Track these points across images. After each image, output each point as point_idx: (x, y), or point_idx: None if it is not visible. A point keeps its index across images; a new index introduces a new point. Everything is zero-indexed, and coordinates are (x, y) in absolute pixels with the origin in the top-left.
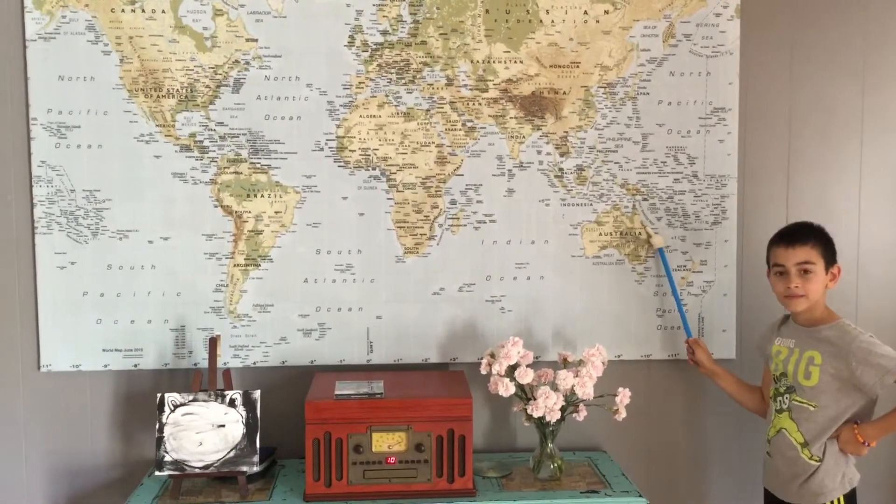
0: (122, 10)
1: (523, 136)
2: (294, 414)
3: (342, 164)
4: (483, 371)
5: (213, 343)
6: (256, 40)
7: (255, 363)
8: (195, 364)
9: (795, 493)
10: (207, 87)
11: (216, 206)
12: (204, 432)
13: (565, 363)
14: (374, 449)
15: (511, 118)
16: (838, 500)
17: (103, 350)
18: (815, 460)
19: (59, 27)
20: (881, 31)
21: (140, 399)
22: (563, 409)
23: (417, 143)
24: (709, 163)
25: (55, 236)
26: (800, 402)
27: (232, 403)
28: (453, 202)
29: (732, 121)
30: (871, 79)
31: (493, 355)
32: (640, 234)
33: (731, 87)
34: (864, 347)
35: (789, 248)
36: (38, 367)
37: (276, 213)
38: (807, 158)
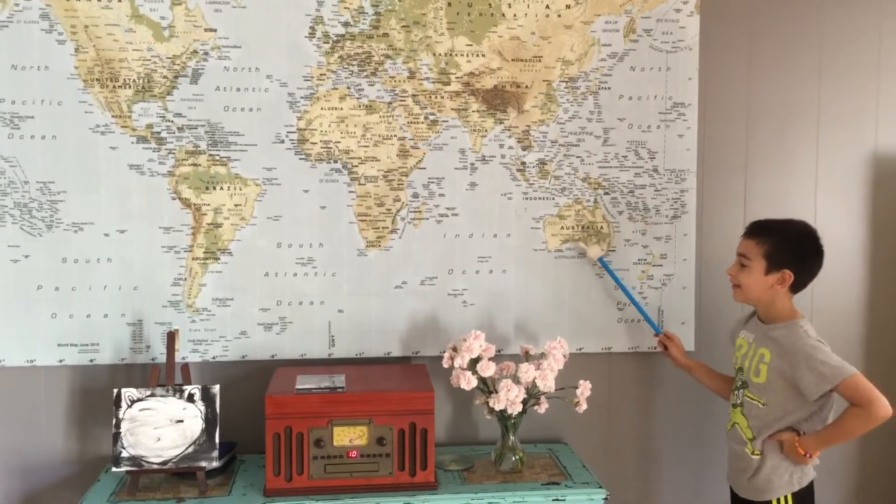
0: None
1: (485, 130)
2: (254, 409)
3: (303, 156)
4: (445, 364)
5: (171, 337)
6: (215, 30)
7: (214, 357)
8: (153, 359)
9: (745, 487)
10: (165, 77)
11: (174, 199)
12: (162, 427)
13: (527, 356)
14: (335, 443)
15: (473, 112)
16: (786, 497)
17: (58, 345)
18: (756, 454)
19: (12, 15)
20: (837, 29)
21: (96, 394)
22: (524, 402)
23: (379, 135)
24: (668, 157)
25: (8, 229)
26: (751, 398)
27: (191, 398)
28: (415, 195)
29: (692, 116)
30: (827, 75)
31: (455, 349)
32: (601, 227)
33: (691, 82)
34: (807, 351)
35: (742, 237)
36: None
37: (235, 205)
38: (765, 154)
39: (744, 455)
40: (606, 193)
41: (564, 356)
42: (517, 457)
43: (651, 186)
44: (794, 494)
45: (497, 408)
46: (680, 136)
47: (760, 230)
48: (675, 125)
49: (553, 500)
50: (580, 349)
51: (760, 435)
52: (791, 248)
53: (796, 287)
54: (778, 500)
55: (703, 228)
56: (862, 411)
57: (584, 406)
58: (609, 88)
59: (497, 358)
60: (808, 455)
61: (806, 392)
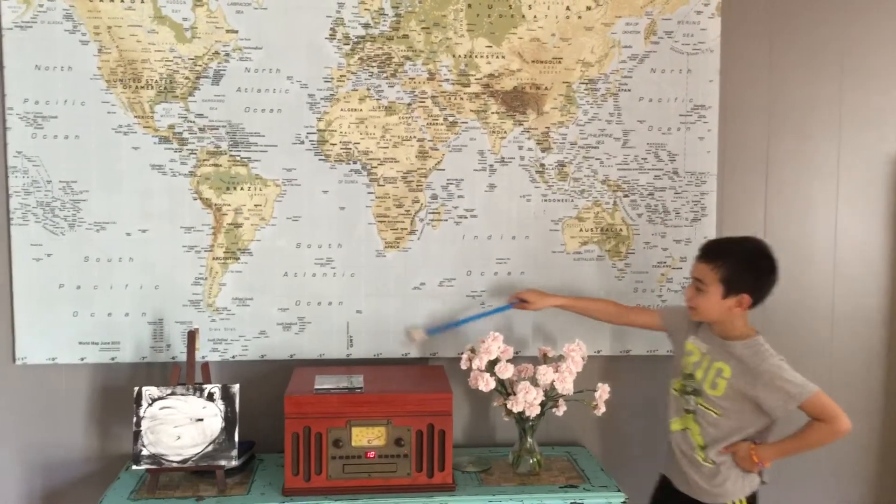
0: (101, 0)
1: (505, 132)
2: (273, 408)
3: (323, 157)
4: (463, 366)
5: (191, 336)
6: (237, 32)
7: (233, 357)
8: (173, 358)
9: (696, 490)
10: (187, 78)
11: (195, 199)
12: (182, 426)
13: (545, 358)
14: (353, 443)
15: (493, 113)
16: (740, 501)
17: (80, 343)
18: (709, 463)
19: (36, 16)
20: (860, 30)
21: (117, 393)
22: (542, 405)
23: (399, 137)
24: (689, 160)
25: (31, 228)
26: (705, 407)
27: (210, 397)
28: (434, 197)
29: (712, 118)
30: (849, 77)
31: (473, 350)
32: (620, 230)
33: (712, 84)
34: (772, 371)
35: (697, 260)
36: (14, 360)
37: (255, 206)
38: (786, 156)
39: (694, 460)
40: (626, 196)
41: (583, 359)
42: (535, 459)
43: (671, 189)
44: (746, 498)
45: (515, 410)
46: (700, 138)
47: (716, 254)
48: (696, 127)
49: (571, 503)
50: (598, 352)
51: (714, 445)
52: (748, 272)
53: (754, 305)
54: (734, 503)
55: (723, 231)
56: (827, 427)
57: (602, 409)
58: (629, 90)
59: (515, 360)
60: (760, 464)
61: (771, 411)
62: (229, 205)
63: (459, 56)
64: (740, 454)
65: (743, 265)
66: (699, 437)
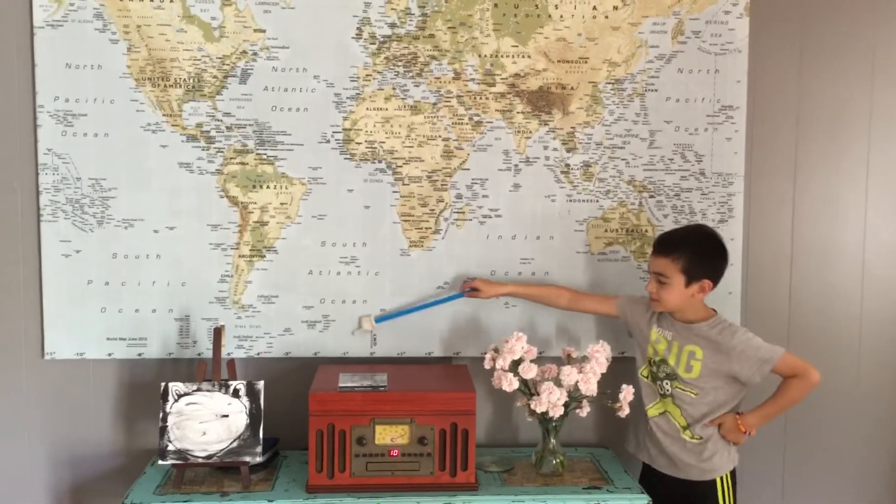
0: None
1: (530, 131)
2: (297, 405)
3: (348, 156)
4: (487, 366)
5: (217, 333)
6: (264, 31)
7: (258, 354)
8: (199, 354)
9: (684, 469)
10: (215, 77)
11: (222, 197)
12: (207, 422)
13: (569, 359)
14: (376, 441)
15: (518, 113)
16: (727, 475)
17: (107, 339)
18: (697, 439)
19: (66, 15)
20: (891, 32)
21: (144, 388)
22: (566, 405)
23: (424, 136)
24: (716, 161)
25: (60, 224)
26: (682, 389)
27: (236, 394)
28: (459, 196)
29: (740, 119)
30: (880, 78)
31: (496, 350)
32: (646, 231)
33: (740, 84)
34: (743, 343)
35: (653, 255)
36: (42, 355)
37: (281, 204)
38: (814, 157)
39: (679, 439)
40: (651, 196)
41: (607, 360)
42: (558, 460)
43: (697, 190)
44: (730, 473)
45: (538, 410)
46: (728, 139)
47: (671, 246)
48: (723, 128)
49: None
50: (622, 353)
51: (699, 422)
52: (704, 259)
53: (712, 289)
54: (721, 478)
55: (750, 233)
56: (802, 381)
57: (626, 411)
58: (656, 90)
59: (539, 360)
60: (747, 433)
61: (749, 379)
62: (255, 203)
63: (485, 56)
64: (727, 425)
65: (699, 254)
66: (681, 418)
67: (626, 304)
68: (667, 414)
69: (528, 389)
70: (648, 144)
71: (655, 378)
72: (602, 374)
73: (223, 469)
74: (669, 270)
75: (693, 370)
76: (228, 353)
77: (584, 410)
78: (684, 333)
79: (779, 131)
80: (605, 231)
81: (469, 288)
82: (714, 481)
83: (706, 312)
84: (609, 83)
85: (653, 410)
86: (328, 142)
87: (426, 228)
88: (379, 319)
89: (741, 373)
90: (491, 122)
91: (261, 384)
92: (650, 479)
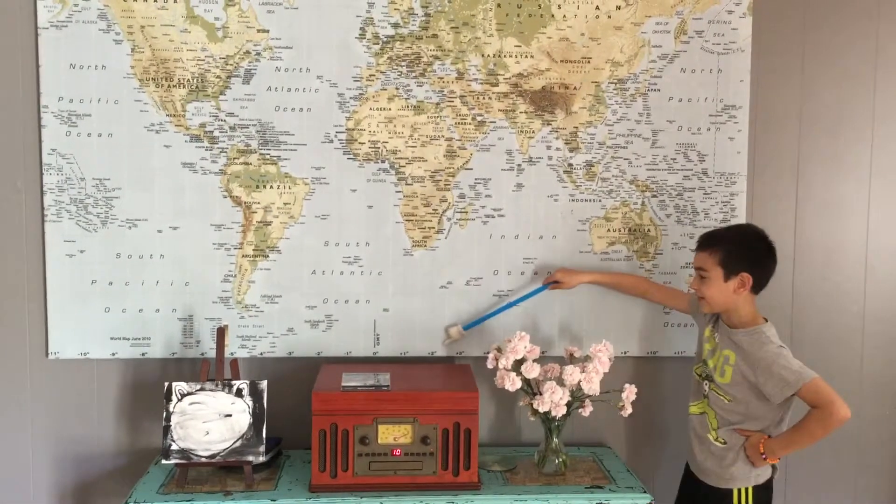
0: (135, 0)
1: (533, 131)
2: (300, 405)
3: (351, 156)
4: (489, 365)
5: (220, 333)
6: (268, 31)
7: (262, 353)
8: (202, 354)
9: (707, 472)
10: (218, 77)
11: (225, 197)
12: (211, 421)
13: (572, 358)
14: (379, 441)
15: (521, 113)
16: (746, 490)
17: (111, 338)
18: (721, 443)
19: (71, 15)
20: (893, 31)
21: (147, 388)
22: (568, 405)
23: (427, 136)
24: (718, 160)
25: (64, 224)
26: (717, 393)
27: (239, 393)
28: (462, 196)
29: (743, 118)
30: (882, 77)
31: (499, 350)
32: (648, 230)
33: (742, 84)
34: (769, 357)
35: (695, 252)
36: (46, 355)
37: (284, 204)
38: (817, 157)
39: (705, 440)
40: (654, 196)
41: (610, 359)
42: (560, 459)
43: (700, 189)
44: (754, 488)
45: (541, 410)
46: (730, 138)
47: (711, 241)
48: (726, 128)
49: (596, 503)
50: (625, 353)
51: (727, 426)
52: (743, 251)
53: (757, 288)
54: (739, 490)
55: None
56: (823, 413)
57: (629, 410)
58: (658, 90)
59: (541, 360)
60: (765, 458)
61: (770, 397)
62: (259, 203)
63: (488, 55)
64: (751, 441)
65: (737, 245)
66: (714, 420)
67: (694, 301)
68: (704, 415)
69: (531, 389)
70: (651, 144)
71: (701, 378)
72: (605, 374)
73: (226, 468)
74: (707, 264)
75: (726, 375)
76: (232, 353)
77: (587, 410)
78: (724, 337)
79: (782, 131)
80: (608, 231)
81: (552, 280)
82: (731, 492)
83: (752, 319)
84: (612, 83)
85: (694, 408)
86: (331, 142)
87: (429, 228)
88: (467, 326)
89: (763, 387)
90: (494, 122)
91: (264, 384)
92: (688, 481)
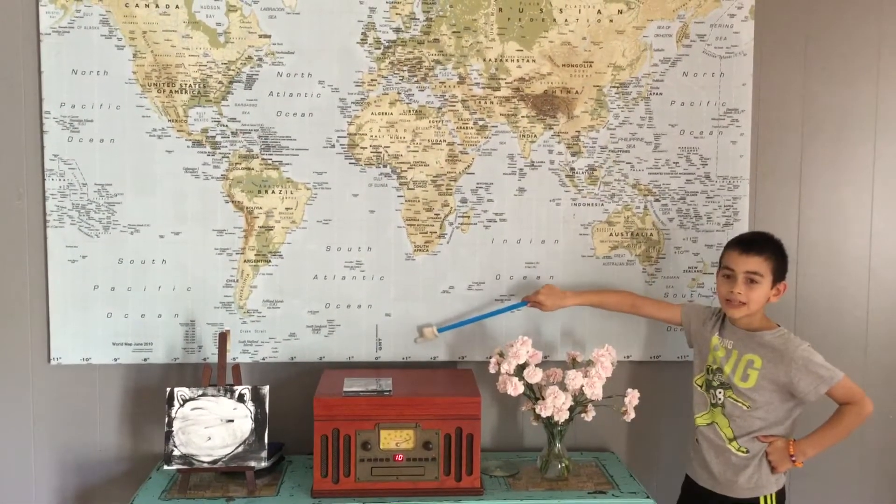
0: (137, 5)
1: (535, 136)
2: (302, 410)
3: (353, 161)
4: (492, 370)
5: (222, 338)
6: (269, 36)
7: (264, 359)
8: (204, 359)
9: (728, 485)
10: (220, 82)
11: (227, 202)
12: (213, 427)
13: (574, 363)
14: (381, 446)
15: (523, 117)
16: (771, 495)
17: (113, 344)
18: (743, 452)
19: (73, 21)
20: None
21: (149, 393)
22: (571, 409)
23: (429, 140)
24: (721, 164)
25: (67, 230)
26: (735, 400)
27: (241, 398)
28: (464, 200)
29: (745, 122)
30: (885, 82)
31: (501, 354)
32: (651, 235)
33: (745, 88)
34: (805, 356)
35: (743, 255)
36: (49, 360)
37: (286, 209)
38: (820, 161)
39: (725, 451)
40: (657, 200)
41: (612, 364)
42: (563, 464)
43: (703, 193)
44: (777, 493)
45: (543, 415)
46: (733, 142)
47: (759, 245)
48: (728, 131)
49: None
50: (628, 357)
51: (746, 434)
52: (785, 260)
53: None
54: (765, 497)
55: None
56: (856, 408)
57: (631, 415)
58: (661, 94)
59: (544, 364)
60: (794, 460)
61: (804, 395)
62: (261, 208)
63: (490, 60)
64: (777, 445)
65: (782, 255)
66: (728, 429)
67: (690, 311)
68: (714, 425)
69: (534, 394)
70: (653, 148)
71: (709, 387)
72: (607, 379)
73: (228, 474)
74: (763, 269)
75: (749, 379)
76: (234, 358)
77: (590, 415)
78: (746, 341)
79: (784, 134)
80: (610, 235)
81: (533, 300)
82: (757, 500)
83: (769, 322)
84: (614, 87)
85: (701, 420)
86: (333, 146)
87: (431, 233)
88: (441, 329)
89: (798, 386)
90: (496, 127)
91: (266, 389)
92: (691, 493)
